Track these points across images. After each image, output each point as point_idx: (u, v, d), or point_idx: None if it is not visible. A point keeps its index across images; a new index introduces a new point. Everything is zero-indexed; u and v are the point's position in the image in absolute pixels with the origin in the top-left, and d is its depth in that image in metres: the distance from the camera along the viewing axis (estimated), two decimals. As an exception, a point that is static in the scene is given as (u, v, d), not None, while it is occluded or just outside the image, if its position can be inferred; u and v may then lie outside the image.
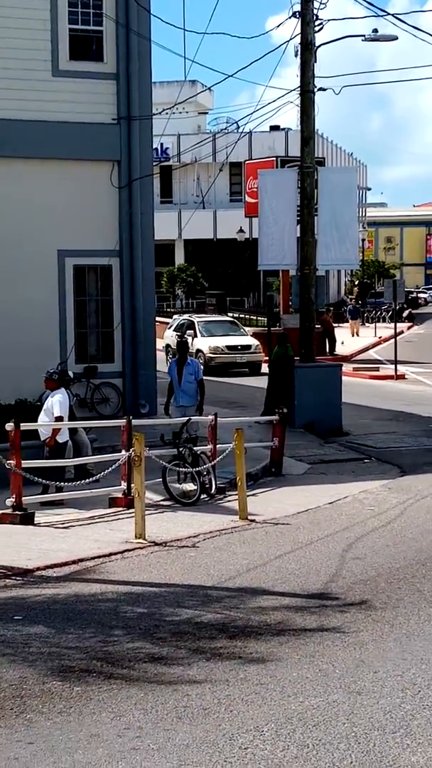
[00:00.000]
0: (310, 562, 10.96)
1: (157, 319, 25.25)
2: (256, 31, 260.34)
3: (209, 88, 61.13)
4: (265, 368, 31.28)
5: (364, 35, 25.59)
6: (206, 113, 72.88)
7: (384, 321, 59.11)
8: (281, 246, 22.45)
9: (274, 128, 59.50)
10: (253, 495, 14.42)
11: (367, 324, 58.26)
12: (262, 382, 25.62)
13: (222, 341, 35.61)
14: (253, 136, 57.58)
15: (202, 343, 35.12)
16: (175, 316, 42.27)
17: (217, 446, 15.03)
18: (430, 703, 6.99)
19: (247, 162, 53.34)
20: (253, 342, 36.02)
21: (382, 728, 6.54)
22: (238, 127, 33.65)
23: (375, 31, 25.37)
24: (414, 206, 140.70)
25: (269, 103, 27.21)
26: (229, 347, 35.24)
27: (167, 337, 37.47)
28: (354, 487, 15.47)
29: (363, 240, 74.12)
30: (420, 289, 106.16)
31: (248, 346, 35.80)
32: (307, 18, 21.60)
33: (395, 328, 38.32)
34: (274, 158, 46.22)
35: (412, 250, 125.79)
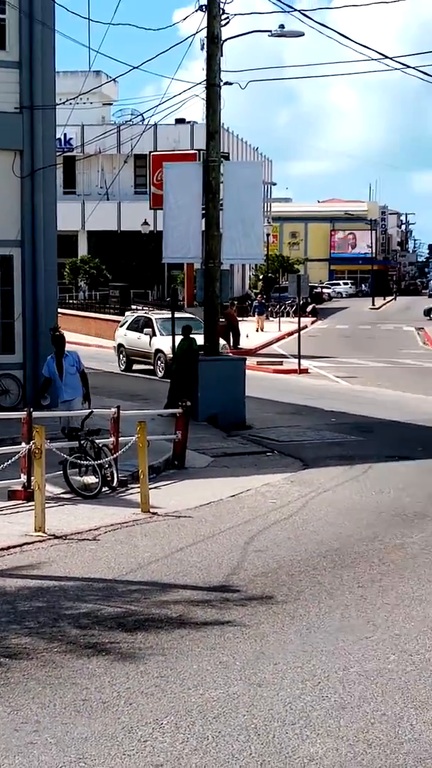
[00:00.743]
0: (212, 555, 10.94)
1: (60, 310, 25.04)
2: (163, 24, 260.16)
3: (114, 79, 60.75)
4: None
5: (270, 30, 25.69)
6: (111, 104, 72.57)
7: (288, 315, 59.51)
8: (186, 239, 22.41)
9: (180, 121, 59.51)
10: (155, 488, 14.36)
11: (271, 318, 58.57)
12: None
13: None
14: (159, 128, 57.44)
15: (162, 343, 30.52)
16: (127, 313, 38.28)
17: (120, 439, 14.94)
18: (330, 694, 7.03)
19: (153, 153, 53.17)
20: (220, 341, 33.76)
21: (282, 720, 6.55)
22: (143, 120, 33.55)
23: (282, 26, 25.47)
24: (318, 202, 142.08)
25: (175, 96, 27.23)
26: None
27: (119, 336, 34.82)
28: (256, 480, 15.51)
29: (268, 235, 74.55)
30: (324, 285, 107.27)
31: None
32: (213, 12, 21.58)
33: (299, 322, 38.63)
34: (189, 152, 46.13)
35: (317, 245, 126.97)
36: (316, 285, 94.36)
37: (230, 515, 13.10)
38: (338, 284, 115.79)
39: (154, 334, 32.00)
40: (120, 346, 34.42)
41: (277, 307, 62.39)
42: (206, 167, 21.99)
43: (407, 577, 10.14)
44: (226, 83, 22.94)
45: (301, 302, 40.46)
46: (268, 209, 75.62)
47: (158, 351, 31.29)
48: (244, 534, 11.96)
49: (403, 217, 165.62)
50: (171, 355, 30.57)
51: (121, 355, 34.10)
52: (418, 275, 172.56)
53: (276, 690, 7.08)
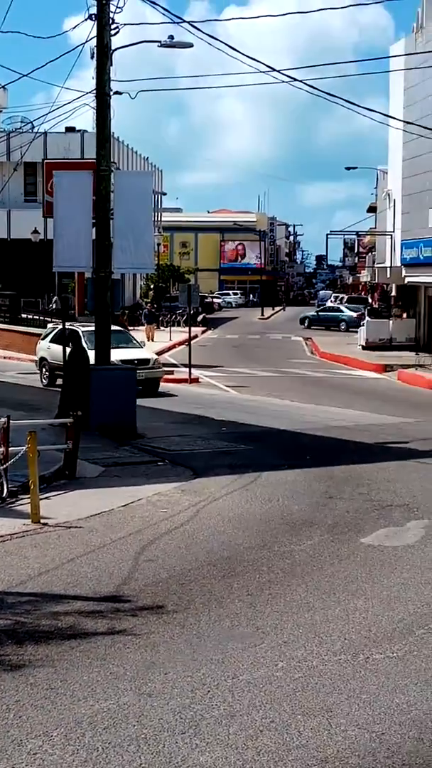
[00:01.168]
0: (102, 565, 10.93)
1: None
2: (54, 31, 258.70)
3: (3, 87, 60.08)
4: (164, 386, 30.28)
5: (160, 41, 25.79)
6: (0, 112, 71.76)
7: (179, 325, 59.66)
8: (77, 248, 22.32)
9: (70, 129, 59.17)
10: (46, 498, 14.26)
11: (162, 328, 58.65)
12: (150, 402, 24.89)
13: (115, 355, 28.02)
14: (49, 136, 56.98)
15: (92, 358, 27.66)
16: (50, 325, 35.42)
17: (10, 449, 14.79)
18: (219, 702, 7.09)
19: (46, 161, 52.79)
20: (151, 356, 31.10)
21: (172, 729, 6.59)
22: (33, 127, 33.28)
23: (171, 37, 25.59)
24: (209, 212, 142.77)
25: (65, 105, 27.16)
26: (124, 362, 27.97)
27: (41, 349, 32.66)
28: (148, 489, 15.52)
29: (158, 244, 74.66)
30: (214, 294, 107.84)
31: (146, 361, 30.14)
32: (103, 21, 21.57)
33: (189, 332, 38.76)
34: (86, 160, 45.83)
35: (207, 255, 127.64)
36: (207, 295, 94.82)
37: (121, 525, 13.09)
38: (228, 294, 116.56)
39: None
40: (42, 359, 32.34)
41: (168, 316, 62.51)
42: (97, 176, 21.95)
43: (295, 584, 10.28)
44: (116, 93, 22.98)
45: (192, 312, 40.60)
46: (159, 219, 75.68)
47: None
48: (135, 544, 11.97)
49: (291, 228, 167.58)
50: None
51: (44, 369, 31.94)
52: (306, 285, 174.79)
53: (166, 699, 7.11)
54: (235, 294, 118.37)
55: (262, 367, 40.84)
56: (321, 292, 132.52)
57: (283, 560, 11.27)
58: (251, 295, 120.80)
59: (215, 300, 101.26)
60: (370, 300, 79.62)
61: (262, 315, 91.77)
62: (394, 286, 60.43)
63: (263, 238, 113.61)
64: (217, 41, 22.86)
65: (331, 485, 15.83)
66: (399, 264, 48.44)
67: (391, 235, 51.14)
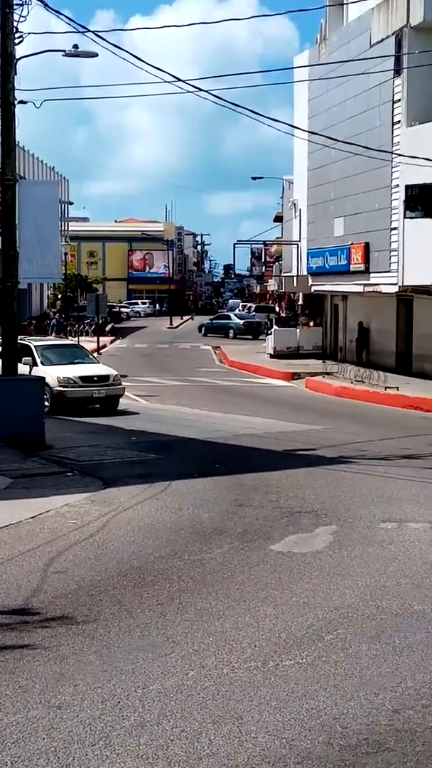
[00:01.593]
0: (11, 578, 10.80)
1: None
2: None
3: None
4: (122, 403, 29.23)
5: (65, 50, 25.69)
6: None
7: (87, 335, 59.42)
8: (-19, 258, 22.07)
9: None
10: None
11: (70, 338, 58.32)
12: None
13: (72, 371, 28.30)
14: None
15: (47, 374, 26.51)
16: None
17: None
18: (130, 713, 7.05)
19: None
20: (111, 372, 29.43)
21: (82, 741, 6.53)
22: None
23: (75, 46, 25.52)
24: (116, 222, 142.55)
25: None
26: (83, 378, 27.97)
27: None
28: (57, 500, 15.39)
29: (65, 254, 74.25)
30: (122, 304, 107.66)
31: (106, 377, 28.78)
32: (6, 29, 21.38)
33: (98, 341, 38.67)
34: None
35: (114, 264, 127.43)
36: (115, 304, 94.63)
37: (30, 537, 12.95)
38: (137, 304, 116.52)
39: (35, 364, 28.08)
40: None
41: (77, 326, 62.21)
42: (2, 186, 21.74)
43: (206, 592, 10.28)
44: (20, 102, 22.82)
45: (100, 321, 40.43)
46: (66, 229, 75.25)
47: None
48: (44, 556, 11.85)
49: (198, 238, 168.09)
50: (59, 389, 27.38)
51: None
52: (214, 295, 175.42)
53: (76, 712, 7.05)
54: (143, 303, 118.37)
55: (172, 376, 40.87)
56: (230, 301, 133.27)
57: (194, 569, 11.26)
58: (159, 305, 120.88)
59: (123, 309, 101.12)
60: (277, 309, 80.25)
61: (171, 324, 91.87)
62: (300, 294, 61.05)
63: (171, 247, 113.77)
64: (122, 50, 22.84)
65: (241, 493, 15.88)
66: (305, 273, 48.92)
67: (297, 245, 51.65)
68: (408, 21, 35.01)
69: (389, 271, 36.95)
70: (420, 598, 10.07)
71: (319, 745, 6.58)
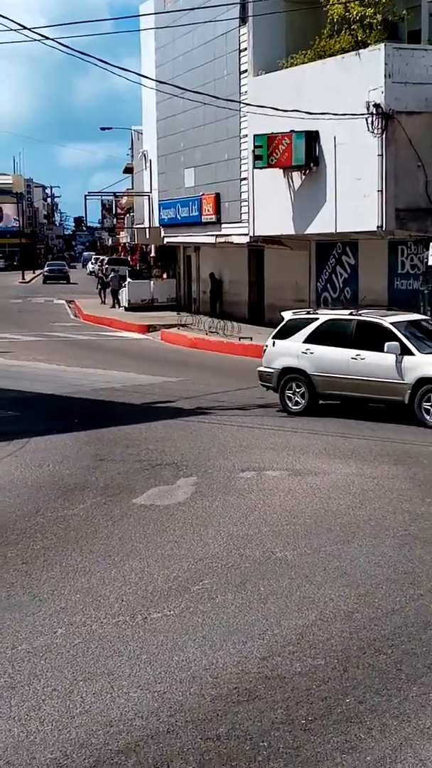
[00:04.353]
0: None
1: None
2: None
3: None
4: None
5: None
6: None
7: None
8: None
9: None
10: None
11: None
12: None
13: None
14: None
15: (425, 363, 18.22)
16: (286, 313, 21.14)
17: None
18: (-1, 674, 6.99)
19: None
20: None
21: None
22: None
23: None
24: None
25: None
26: None
27: (287, 354, 20.08)
28: None
29: None
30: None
31: None
32: None
33: None
34: None
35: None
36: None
37: None
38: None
39: (406, 352, 18.45)
40: (289, 371, 20.02)
41: None
42: None
43: (70, 549, 10.24)
44: None
45: None
46: None
47: (424, 379, 18.07)
48: None
49: (48, 191, 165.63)
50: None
51: (296, 387, 19.91)
52: (66, 248, 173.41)
53: None
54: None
55: (26, 331, 40.30)
56: (85, 253, 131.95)
57: (57, 526, 11.19)
58: (10, 259, 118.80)
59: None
60: (130, 261, 79.86)
61: (23, 279, 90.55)
62: (153, 246, 60.82)
63: (20, 200, 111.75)
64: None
65: (101, 448, 15.83)
66: (157, 225, 48.69)
67: (149, 196, 51.32)
68: (253, -31, 34.89)
69: (240, 222, 37.04)
70: (281, 545, 10.24)
71: (191, 697, 6.65)
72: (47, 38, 23.24)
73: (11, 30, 23.31)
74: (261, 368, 20.67)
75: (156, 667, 7.13)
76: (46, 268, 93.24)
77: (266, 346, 20.73)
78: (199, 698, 6.63)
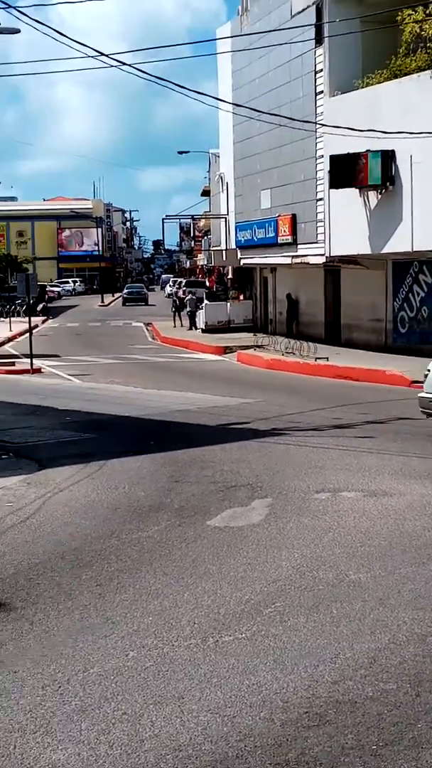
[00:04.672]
0: None
1: None
2: None
3: None
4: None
5: (-17, 27, 25.33)
6: None
7: (19, 315, 58.86)
8: None
9: None
10: None
11: (1, 319, 57.78)
12: None
13: None
14: None
15: None
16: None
17: None
18: (71, 698, 7.02)
19: None
20: None
21: (23, 729, 6.49)
22: None
23: (-5, 23, 25.17)
24: (44, 200, 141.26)
25: None
26: None
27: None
28: (-9, 484, 15.25)
29: (-7, 234, 73.48)
30: (53, 283, 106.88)
31: None
32: None
33: (29, 322, 38.28)
34: None
35: (44, 243, 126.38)
36: (46, 283, 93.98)
37: (-36, 523, 12.82)
38: (68, 282, 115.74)
39: None
40: None
41: (7, 307, 61.59)
42: None
43: (144, 571, 10.27)
44: None
45: (31, 301, 40.11)
46: (-7, 208, 74.44)
47: None
48: (-21, 542, 11.74)
49: (127, 214, 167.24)
50: None
51: None
52: (145, 271, 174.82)
53: (16, 699, 7.00)
54: (74, 282, 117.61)
55: (104, 354, 40.67)
56: (163, 276, 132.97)
57: (131, 548, 11.24)
58: (90, 283, 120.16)
59: (54, 288, 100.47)
60: (207, 283, 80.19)
61: (102, 302, 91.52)
62: (230, 268, 61.02)
63: (100, 224, 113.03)
64: (44, 26, 22.57)
65: (176, 469, 15.87)
66: (234, 246, 48.86)
67: (226, 218, 51.54)
68: (327, -10, 34.95)
69: (316, 242, 37.03)
70: (355, 568, 10.15)
71: (261, 721, 6.61)
72: (124, 63, 23.53)
73: (90, 57, 23.65)
74: (422, 394, 19.47)
75: (226, 691, 7.11)
76: (125, 291, 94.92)
77: (428, 371, 19.77)
78: (269, 723, 6.58)
